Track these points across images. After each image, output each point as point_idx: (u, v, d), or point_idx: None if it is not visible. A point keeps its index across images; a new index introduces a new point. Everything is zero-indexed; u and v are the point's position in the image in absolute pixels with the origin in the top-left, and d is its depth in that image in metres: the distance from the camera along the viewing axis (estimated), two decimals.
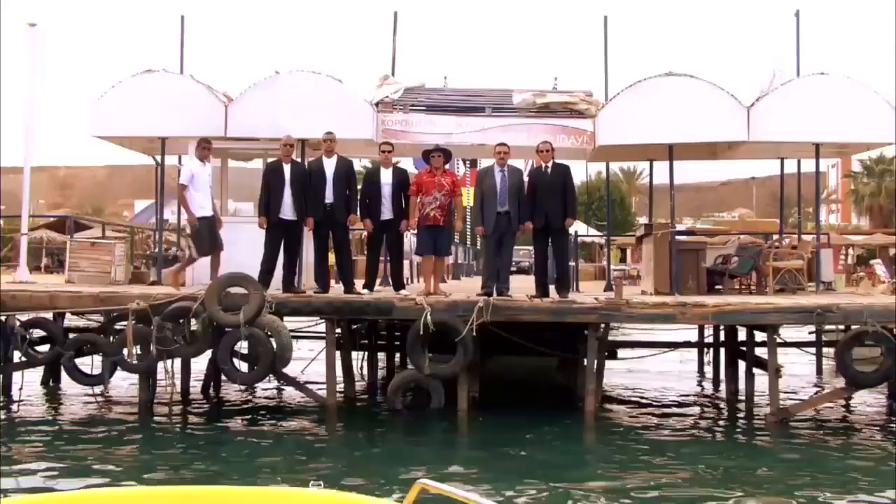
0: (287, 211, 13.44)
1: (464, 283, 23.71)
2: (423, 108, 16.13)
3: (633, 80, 15.74)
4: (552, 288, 13.55)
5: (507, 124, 15.75)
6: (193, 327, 12.55)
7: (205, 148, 13.76)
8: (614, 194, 47.30)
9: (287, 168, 13.54)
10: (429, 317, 12.17)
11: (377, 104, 16.04)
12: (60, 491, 8.16)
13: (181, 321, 12.63)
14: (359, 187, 14.17)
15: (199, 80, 16.07)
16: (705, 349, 17.27)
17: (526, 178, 13.72)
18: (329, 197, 13.48)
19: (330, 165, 13.59)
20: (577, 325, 13.14)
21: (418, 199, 13.53)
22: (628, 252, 46.55)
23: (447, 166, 14.12)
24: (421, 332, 12.20)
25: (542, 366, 16.49)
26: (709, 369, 17.49)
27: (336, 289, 14.06)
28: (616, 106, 15.56)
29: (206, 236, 13.58)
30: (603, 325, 12.85)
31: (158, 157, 16.72)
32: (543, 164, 13.50)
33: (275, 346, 12.47)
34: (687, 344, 16.90)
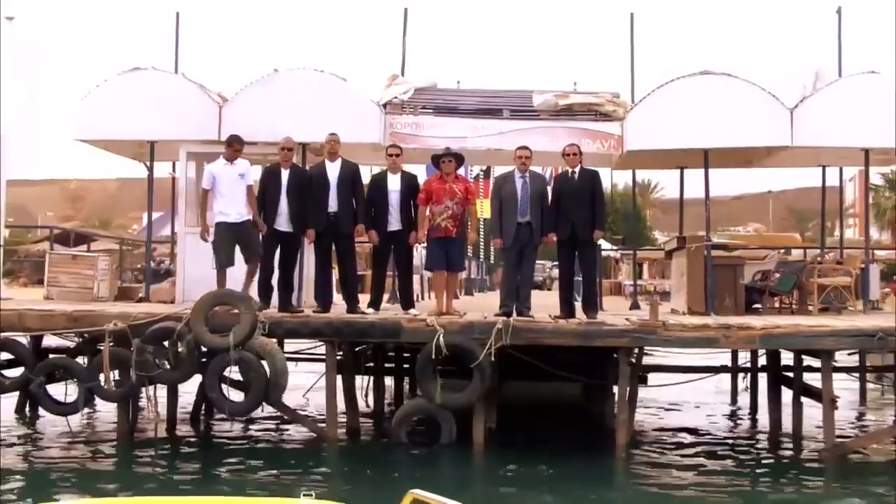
0: (283, 221, 12.11)
1: (477, 299, 22.32)
2: (436, 109, 14.80)
3: (661, 81, 14.42)
4: (577, 306, 12.22)
5: (526, 127, 14.37)
6: (178, 350, 11.22)
7: (235, 149, 12.13)
8: (628, 207, 45.99)
9: (285, 174, 12.21)
10: (441, 340, 10.83)
11: (385, 105, 14.71)
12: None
13: (164, 343, 11.31)
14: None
15: (190, 79, 14.80)
16: (742, 375, 15.79)
17: (550, 185, 12.39)
18: (332, 205, 12.16)
19: (333, 170, 12.27)
20: (606, 348, 11.80)
21: (428, 209, 12.20)
22: (645, 267, 45.16)
23: (460, 172, 12.77)
24: (432, 357, 10.85)
25: (564, 392, 15.13)
26: (743, 396, 16.09)
27: (339, 306, 12.67)
28: (646, 107, 14.20)
29: (222, 245, 11.97)
30: (637, 350, 11.46)
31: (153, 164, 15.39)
32: (570, 169, 12.15)
33: (268, 371, 11.15)
34: (724, 369, 15.46)
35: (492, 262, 37.86)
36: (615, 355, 12.10)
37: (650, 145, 14.28)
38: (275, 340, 11.59)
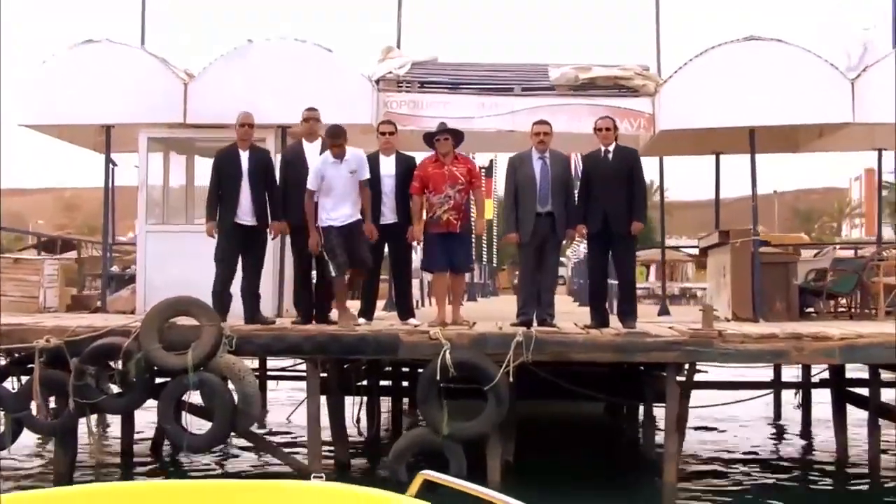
0: (245, 212, 10.04)
1: (481, 306, 20.18)
2: (437, 85, 12.76)
3: (697, 50, 12.41)
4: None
5: (542, 105, 12.31)
6: (126, 371, 9.16)
7: (340, 144, 9.66)
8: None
9: (244, 155, 10.14)
10: (448, 356, 8.77)
11: (378, 82, 12.69)
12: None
13: (109, 363, 9.27)
14: None
15: (151, 53, 12.77)
16: (788, 391, 13.62)
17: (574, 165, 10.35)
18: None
19: (312, 152, 10.24)
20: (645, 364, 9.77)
21: (424, 199, 10.15)
22: (652, 269, 43.15)
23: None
24: (437, 378, 8.79)
25: (585, 411, 13.10)
26: (789, 414, 14.03)
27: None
28: (683, 80, 12.16)
29: (338, 249, 9.69)
30: (687, 366, 9.38)
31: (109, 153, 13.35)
32: (603, 148, 10.11)
33: (235, 397, 9.10)
34: (777, 384, 13.33)
35: (495, 264, 35.80)
36: (656, 373, 10.12)
37: (687, 124, 12.25)
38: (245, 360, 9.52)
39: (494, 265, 34.50)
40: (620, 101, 12.34)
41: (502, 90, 12.70)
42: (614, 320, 10.12)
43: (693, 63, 12.17)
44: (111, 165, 15.40)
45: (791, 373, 13.53)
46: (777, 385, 13.55)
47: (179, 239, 12.27)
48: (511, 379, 8.86)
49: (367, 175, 9.82)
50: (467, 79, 12.98)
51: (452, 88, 12.72)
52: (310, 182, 9.71)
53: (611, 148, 10.02)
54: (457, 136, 10.35)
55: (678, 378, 9.31)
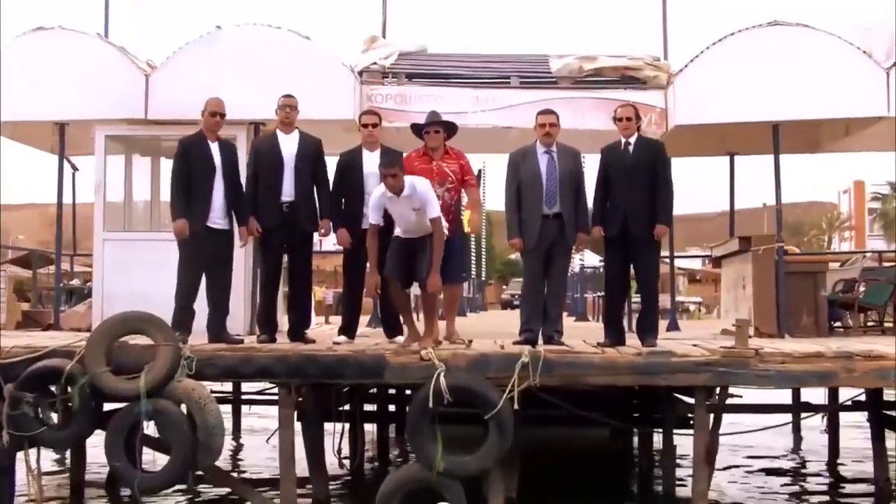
0: (218, 214, 8.78)
1: (471, 321, 18.83)
2: (426, 77, 11.56)
3: (715, 38, 11.27)
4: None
5: (543, 98, 11.12)
6: (69, 399, 7.88)
7: (395, 173, 8.12)
8: None
9: (215, 148, 8.89)
10: (443, 380, 7.51)
11: (361, 73, 11.49)
12: None
13: (50, 390, 7.98)
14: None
15: (109, 42, 11.55)
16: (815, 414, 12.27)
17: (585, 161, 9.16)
18: (287, 192, 8.90)
19: (289, 145, 8.99)
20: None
21: None
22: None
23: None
24: (430, 405, 7.53)
25: (591, 438, 11.85)
26: (810, 437, 12.82)
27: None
28: (699, 70, 11.05)
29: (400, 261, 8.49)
30: (719, 390, 8.11)
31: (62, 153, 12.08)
32: (623, 140, 8.89)
33: (196, 428, 7.81)
34: (810, 407, 11.97)
35: (483, 278, 34.56)
36: (678, 396, 8.91)
37: (704, 119, 11.09)
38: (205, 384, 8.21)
39: (483, 278, 33.20)
40: (629, 95, 11.15)
41: (498, 83, 11.53)
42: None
43: (710, 51, 11.06)
44: (72, 170, 14.26)
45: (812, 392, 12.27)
46: (798, 408, 12.21)
47: (141, 248, 11.06)
48: (516, 406, 7.61)
49: (437, 212, 8.28)
50: (460, 70, 11.80)
51: (443, 81, 11.52)
52: (371, 215, 8.37)
53: (632, 140, 8.80)
54: (449, 128, 9.14)
55: (710, 403, 8.04)
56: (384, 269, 8.38)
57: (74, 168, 14.20)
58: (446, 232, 8.54)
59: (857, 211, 70.18)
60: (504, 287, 55.93)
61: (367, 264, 9.07)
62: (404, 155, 9.16)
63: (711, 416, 8.04)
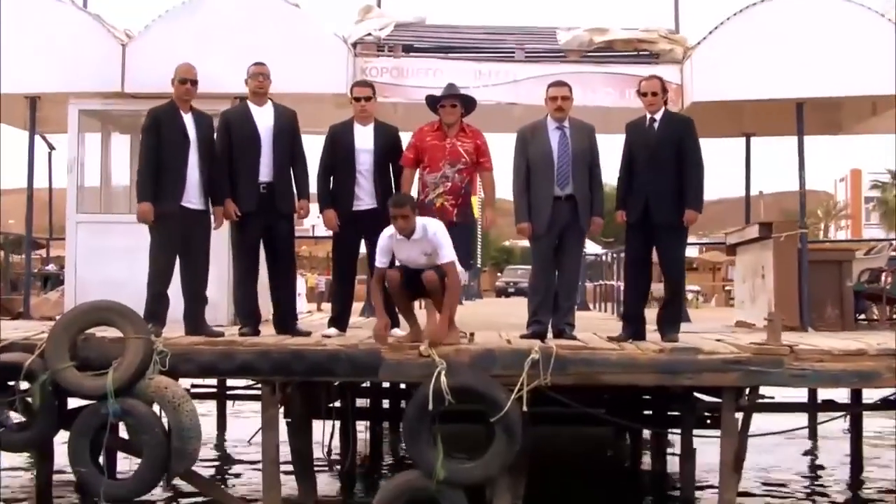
0: (193, 194, 7.98)
1: (468, 310, 17.88)
2: (425, 49, 10.78)
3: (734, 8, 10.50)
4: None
5: (549, 73, 10.33)
6: (28, 397, 7.11)
7: (406, 214, 7.25)
8: None
9: (189, 119, 8.08)
10: (444, 379, 6.75)
11: (355, 46, 10.70)
12: None
13: (9, 386, 7.20)
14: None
15: (82, 9, 10.73)
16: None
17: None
18: (264, 171, 8.08)
19: (264, 118, 8.16)
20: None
21: (417, 175, 8.18)
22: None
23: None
24: (430, 407, 6.76)
25: (593, 436, 11.03)
26: (827, 442, 12.06)
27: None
28: (718, 42, 10.29)
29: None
30: (748, 391, 7.34)
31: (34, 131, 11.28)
32: (648, 115, 8.10)
33: (170, 430, 7.04)
34: (828, 407, 11.13)
35: (478, 265, 33.76)
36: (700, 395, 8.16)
37: (723, 95, 10.35)
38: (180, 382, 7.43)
39: (478, 266, 32.39)
40: (643, 69, 10.36)
41: (502, 56, 10.75)
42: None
43: (731, 22, 10.30)
44: (48, 149, 13.50)
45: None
46: (815, 407, 11.37)
47: (118, 231, 10.22)
48: (525, 408, 6.86)
49: (451, 256, 7.35)
50: (461, 43, 11.02)
51: (443, 54, 10.74)
52: (379, 258, 7.50)
53: (657, 116, 8.01)
54: (467, 103, 8.31)
55: (739, 404, 7.27)
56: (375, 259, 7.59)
57: (51, 147, 13.44)
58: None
59: (854, 199, 69.61)
60: (499, 274, 55.03)
61: (357, 252, 8.35)
62: (419, 129, 8.34)
63: (740, 418, 7.30)
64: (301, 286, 23.79)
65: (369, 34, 10.77)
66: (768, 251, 10.46)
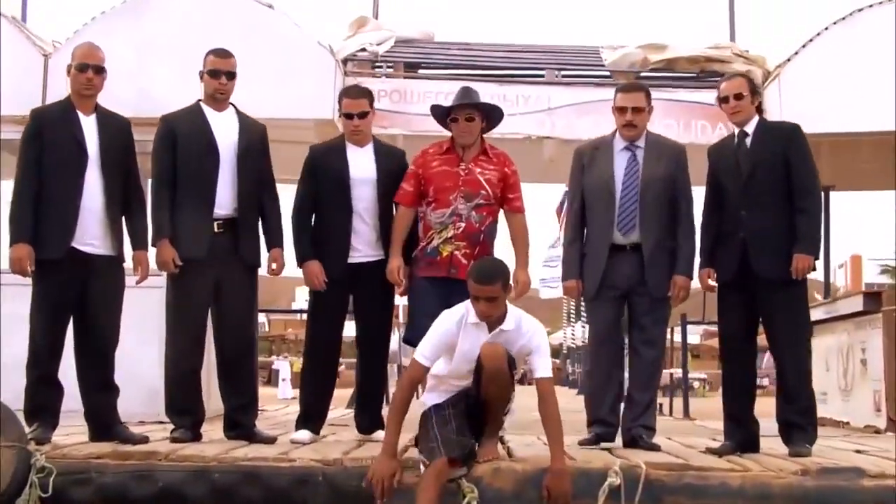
0: (93, 231, 5.37)
1: None
2: (433, 67, 8.56)
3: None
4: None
5: (591, 100, 8.15)
6: None
7: (483, 299, 4.66)
8: None
9: (88, 123, 5.55)
10: None
11: (345, 62, 8.46)
12: None
13: None
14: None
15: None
16: None
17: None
18: (224, 203, 5.65)
19: (224, 127, 5.74)
20: None
21: (421, 215, 5.80)
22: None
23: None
24: None
25: None
26: None
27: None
28: (810, 62, 8.06)
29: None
30: None
31: None
32: (736, 130, 5.70)
33: None
34: None
35: None
36: None
37: (820, 127, 8.01)
38: None
39: None
40: (712, 96, 8.13)
41: (532, 77, 8.51)
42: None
43: (824, 36, 8.07)
44: None
45: None
46: None
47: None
48: None
49: (549, 370, 4.90)
50: (478, 62, 8.79)
51: (456, 73, 8.50)
52: (428, 352, 4.80)
53: (749, 128, 5.60)
54: (490, 114, 5.94)
55: None
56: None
57: None
58: (460, 265, 5.45)
59: (854, 285, 67.93)
60: None
61: (343, 320, 5.96)
62: (422, 151, 5.99)
63: None
64: (286, 371, 21.43)
65: (363, 49, 8.55)
66: (874, 329, 8.12)
